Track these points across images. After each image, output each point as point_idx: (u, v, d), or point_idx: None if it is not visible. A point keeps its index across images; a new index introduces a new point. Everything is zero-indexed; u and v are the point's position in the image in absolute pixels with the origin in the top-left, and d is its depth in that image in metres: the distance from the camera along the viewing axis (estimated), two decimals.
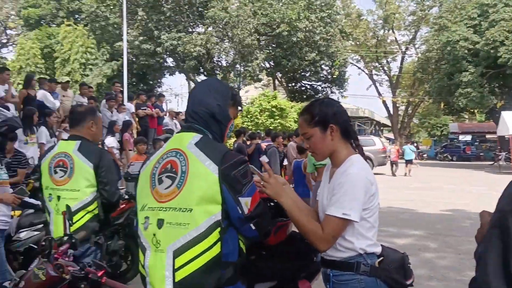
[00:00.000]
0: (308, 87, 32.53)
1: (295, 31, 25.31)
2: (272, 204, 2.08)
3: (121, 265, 4.85)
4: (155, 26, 24.19)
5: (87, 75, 23.05)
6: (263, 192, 1.89)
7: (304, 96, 31.37)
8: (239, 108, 2.01)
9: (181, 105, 37.79)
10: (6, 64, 24.08)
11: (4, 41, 32.54)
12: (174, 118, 12.86)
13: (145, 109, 11.55)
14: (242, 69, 26.69)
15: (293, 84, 32.42)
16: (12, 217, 3.94)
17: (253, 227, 1.73)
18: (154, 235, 1.74)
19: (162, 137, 9.03)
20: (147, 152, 8.21)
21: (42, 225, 4.15)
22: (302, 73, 30.47)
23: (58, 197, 3.09)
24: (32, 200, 4.52)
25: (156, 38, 24.10)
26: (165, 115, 12.66)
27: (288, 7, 25.17)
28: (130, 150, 9.56)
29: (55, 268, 2.30)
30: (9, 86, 8.84)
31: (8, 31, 32.78)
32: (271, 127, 19.24)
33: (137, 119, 11.35)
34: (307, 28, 25.22)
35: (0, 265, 3.51)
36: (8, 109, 7.14)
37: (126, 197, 4.81)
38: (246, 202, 1.69)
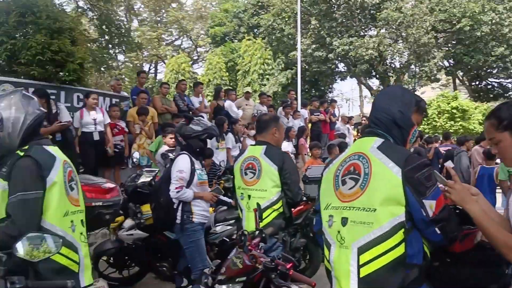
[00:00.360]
0: (496, 85, 29.15)
1: (479, 25, 22.99)
2: (457, 211, 2.03)
3: (301, 262, 5.15)
4: (327, 33, 24.65)
5: (265, 85, 24.68)
6: (447, 198, 1.87)
7: (491, 95, 28.22)
8: (424, 114, 2.03)
9: (352, 110, 37.58)
10: (197, 78, 27.29)
11: (195, 58, 36.93)
12: (346, 123, 12.94)
13: (318, 115, 11.90)
14: (417, 69, 25.34)
15: (477, 82, 29.43)
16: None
17: (438, 231, 1.73)
18: (339, 232, 1.87)
19: (335, 142, 9.21)
20: (321, 156, 8.48)
21: (234, 220, 4.67)
22: (488, 70, 27.45)
23: (249, 196, 3.48)
24: (225, 198, 5.12)
25: (328, 45, 24.53)
26: (337, 120, 12.83)
27: (470, 0, 23.04)
28: (306, 154, 9.98)
29: (249, 258, 2.62)
30: (203, 98, 10.09)
31: (198, 49, 37.11)
32: (451, 130, 17.86)
33: (309, 125, 11.77)
34: (493, 21, 22.69)
35: (202, 253, 4.08)
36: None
37: (304, 198, 5.09)
38: (430, 205, 1.71)
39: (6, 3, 7.81)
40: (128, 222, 4.81)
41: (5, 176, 2.13)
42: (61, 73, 7.63)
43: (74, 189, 2.31)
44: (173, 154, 5.45)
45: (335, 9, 24.94)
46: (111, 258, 5.06)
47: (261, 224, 3.07)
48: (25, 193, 2.08)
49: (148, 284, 5.22)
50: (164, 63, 31.95)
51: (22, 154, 2.15)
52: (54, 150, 2.29)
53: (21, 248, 1.84)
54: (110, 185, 4.12)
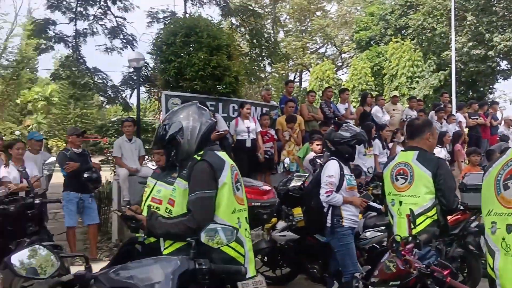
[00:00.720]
0: None
1: None
2: None
3: (458, 275, 4.84)
4: (486, 29, 22.46)
5: (414, 88, 23.52)
6: None
7: None
8: None
9: None
10: (341, 85, 27.21)
11: (340, 64, 36.84)
12: (510, 126, 11.66)
13: (476, 118, 10.96)
14: None
15: None
16: None
17: None
18: (503, 239, 1.79)
19: (495, 147, 8.39)
20: (480, 164, 7.83)
21: (384, 227, 4.61)
22: None
23: (400, 202, 3.44)
24: (374, 204, 5.08)
25: (488, 42, 22.33)
26: (500, 124, 11.63)
27: None
28: (462, 161, 9.29)
29: (403, 263, 2.62)
30: (348, 105, 10.09)
31: (343, 55, 36.96)
32: None
33: (466, 130, 10.89)
34: None
35: (353, 257, 4.14)
36: None
37: (461, 207, 4.79)
38: None
39: (174, 26, 8.90)
40: (281, 224, 5.08)
41: (186, 177, 2.50)
42: (219, 86, 8.38)
43: (240, 190, 2.60)
44: (321, 160, 5.60)
45: (495, 2, 22.63)
46: (265, 257, 5.39)
47: (414, 231, 3.01)
48: (202, 192, 2.42)
49: (299, 285, 5.43)
50: (309, 71, 32.53)
51: (199, 158, 2.51)
52: (223, 155, 2.61)
53: (202, 239, 2.17)
54: (267, 187, 4.45)
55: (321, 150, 6.47)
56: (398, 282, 2.60)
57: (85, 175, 6.25)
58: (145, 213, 2.71)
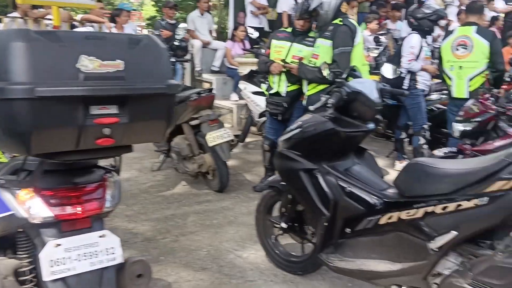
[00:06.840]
0: None
1: None
2: None
3: None
4: None
5: None
6: None
7: None
8: None
9: None
10: None
11: None
12: None
13: None
14: None
15: None
16: None
17: None
18: None
19: None
20: None
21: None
22: None
23: (460, 67, 4.51)
24: None
25: None
26: None
27: None
28: None
29: (483, 106, 3.63)
30: None
31: None
32: None
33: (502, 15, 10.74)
34: None
35: (423, 113, 5.10)
36: None
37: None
38: None
39: None
40: None
41: (329, 37, 3.61)
42: None
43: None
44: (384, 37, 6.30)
45: None
46: None
47: (471, 88, 4.41)
48: (344, 48, 3.57)
49: None
50: None
51: (341, 23, 3.59)
52: (355, 22, 3.72)
53: None
54: None
55: (377, 29, 7.27)
56: (479, 119, 3.62)
57: (175, 43, 7.11)
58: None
